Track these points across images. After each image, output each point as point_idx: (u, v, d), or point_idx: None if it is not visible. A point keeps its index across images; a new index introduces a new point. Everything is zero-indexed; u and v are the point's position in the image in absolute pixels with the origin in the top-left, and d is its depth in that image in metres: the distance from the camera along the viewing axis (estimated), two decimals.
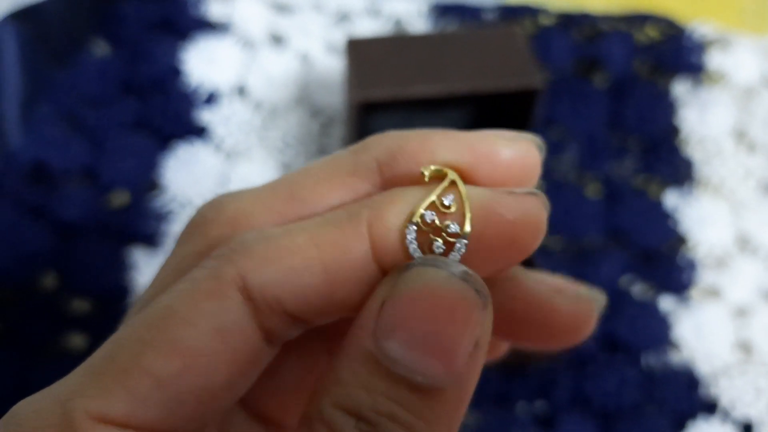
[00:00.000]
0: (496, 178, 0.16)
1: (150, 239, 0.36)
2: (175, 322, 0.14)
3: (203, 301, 0.14)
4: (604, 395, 0.34)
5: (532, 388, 0.35)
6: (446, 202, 0.15)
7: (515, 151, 0.16)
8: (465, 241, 0.15)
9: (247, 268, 0.14)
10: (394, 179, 0.16)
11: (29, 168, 0.36)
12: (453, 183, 0.15)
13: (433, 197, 0.15)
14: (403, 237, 0.15)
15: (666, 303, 0.36)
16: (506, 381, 0.35)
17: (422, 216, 0.15)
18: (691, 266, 0.37)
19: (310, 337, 0.17)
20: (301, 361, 0.18)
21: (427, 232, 0.15)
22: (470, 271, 0.14)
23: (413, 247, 0.15)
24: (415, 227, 0.15)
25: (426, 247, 0.15)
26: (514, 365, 0.34)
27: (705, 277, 0.37)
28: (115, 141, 0.37)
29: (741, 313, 0.36)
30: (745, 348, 0.36)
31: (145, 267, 0.35)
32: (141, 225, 0.36)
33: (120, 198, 0.36)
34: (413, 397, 0.13)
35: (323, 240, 0.15)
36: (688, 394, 0.35)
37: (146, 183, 0.37)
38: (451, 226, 0.15)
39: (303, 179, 0.16)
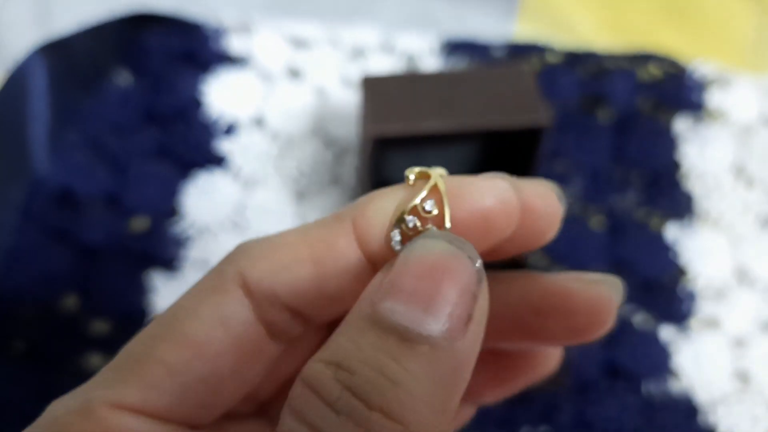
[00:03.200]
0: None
1: (169, 263, 0.37)
2: (183, 317, 0.15)
3: (208, 296, 0.16)
4: (605, 421, 0.35)
5: (535, 413, 0.35)
6: (427, 208, 0.16)
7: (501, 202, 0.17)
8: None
9: (245, 266, 0.16)
10: None
11: (56, 193, 0.37)
12: (435, 185, 0.16)
13: (416, 201, 0.16)
14: (385, 230, 0.16)
15: (666, 332, 0.37)
16: (510, 406, 0.35)
17: (405, 221, 0.16)
18: (690, 297, 0.38)
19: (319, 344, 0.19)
20: None
21: (409, 234, 0.16)
22: (464, 240, 0.15)
23: (398, 249, 0.16)
24: (398, 231, 0.16)
25: None
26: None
27: (704, 307, 0.38)
28: (138, 168, 0.38)
29: (739, 343, 0.37)
30: (743, 377, 0.37)
31: (164, 290, 0.36)
32: (160, 250, 0.37)
33: (140, 223, 0.38)
34: (402, 349, 0.13)
35: (312, 237, 0.16)
36: (688, 421, 0.36)
37: (166, 209, 0.38)
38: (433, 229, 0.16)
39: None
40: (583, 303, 0.18)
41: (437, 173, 0.16)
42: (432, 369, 0.13)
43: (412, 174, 0.16)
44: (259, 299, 0.16)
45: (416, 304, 0.14)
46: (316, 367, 0.14)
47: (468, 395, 0.16)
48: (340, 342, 0.14)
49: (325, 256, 0.16)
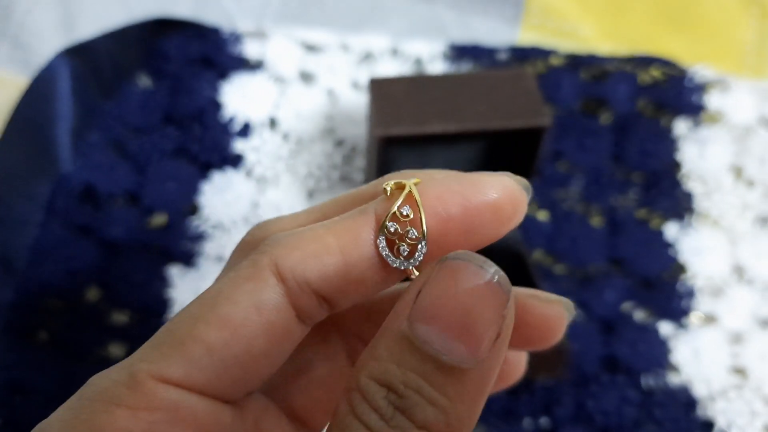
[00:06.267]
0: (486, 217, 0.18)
1: (185, 257, 0.38)
2: (221, 301, 0.17)
3: (244, 283, 0.17)
4: (605, 413, 0.36)
5: (537, 405, 0.36)
6: (404, 212, 0.17)
7: (500, 192, 0.18)
8: (424, 241, 0.17)
9: (279, 255, 0.17)
10: None
11: (79, 190, 0.39)
12: (410, 193, 0.18)
13: (393, 209, 0.17)
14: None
15: (665, 328, 0.38)
16: (513, 398, 0.36)
17: (386, 227, 0.17)
18: (689, 294, 0.39)
19: (333, 339, 0.20)
20: (326, 361, 0.21)
21: (393, 239, 0.17)
22: (498, 269, 0.16)
23: (385, 253, 0.17)
24: (383, 237, 0.17)
25: (395, 250, 0.17)
26: (520, 383, 0.37)
27: (703, 304, 0.39)
28: (157, 167, 0.40)
29: (737, 339, 0.38)
30: (741, 372, 0.37)
31: (181, 283, 0.38)
32: (178, 245, 0.38)
33: (159, 220, 0.39)
34: (439, 375, 0.15)
35: (339, 229, 0.17)
36: (686, 414, 0.36)
37: (184, 207, 0.39)
38: (411, 232, 0.17)
39: (332, 204, 0.20)
40: (537, 318, 0.20)
41: (411, 182, 0.18)
42: (463, 388, 0.15)
43: (388, 186, 0.18)
44: (291, 286, 0.17)
45: (450, 333, 0.15)
46: (371, 387, 0.15)
47: None
48: (385, 359, 0.16)
49: (351, 245, 0.17)
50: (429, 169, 0.20)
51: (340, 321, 0.21)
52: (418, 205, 0.17)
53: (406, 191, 0.17)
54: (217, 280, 0.18)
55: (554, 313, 0.21)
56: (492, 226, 0.18)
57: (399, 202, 0.17)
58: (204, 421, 0.16)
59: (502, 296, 0.16)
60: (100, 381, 0.16)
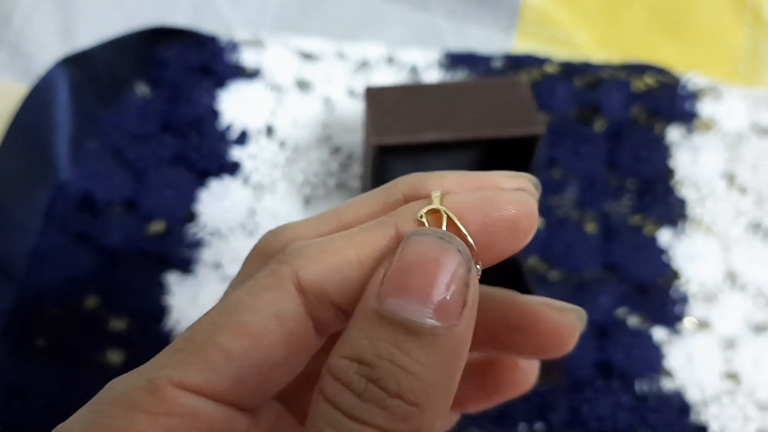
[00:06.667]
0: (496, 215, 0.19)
1: (183, 264, 0.39)
2: (242, 309, 0.17)
3: (264, 292, 0.17)
4: (599, 418, 0.37)
5: (532, 410, 0.37)
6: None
7: (515, 188, 0.19)
8: (478, 266, 0.17)
9: (299, 267, 0.17)
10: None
11: (77, 198, 0.39)
12: (449, 218, 0.18)
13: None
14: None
15: (659, 333, 0.38)
16: (508, 403, 0.36)
17: None
18: (683, 299, 0.39)
19: None
20: None
21: None
22: (452, 235, 0.17)
23: None
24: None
25: None
26: None
27: (696, 310, 0.39)
28: (155, 175, 0.40)
29: (730, 344, 0.39)
30: (734, 377, 0.38)
31: (178, 290, 0.38)
32: (175, 252, 0.39)
33: (157, 227, 0.39)
34: (410, 341, 0.15)
35: (358, 241, 0.18)
36: (680, 419, 0.37)
37: (182, 214, 0.39)
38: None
39: (346, 209, 0.20)
40: (550, 327, 0.21)
41: (442, 208, 0.18)
42: (436, 354, 0.16)
43: (422, 212, 0.18)
44: (311, 297, 0.17)
45: (416, 298, 0.16)
46: (342, 364, 0.16)
47: (453, 403, 0.18)
48: (357, 337, 0.16)
49: (370, 258, 0.17)
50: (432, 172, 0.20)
51: None
52: (458, 227, 0.17)
53: (445, 219, 0.18)
54: (234, 287, 0.19)
55: (567, 321, 0.21)
56: (509, 242, 0.18)
57: (444, 227, 0.18)
58: (220, 428, 0.17)
59: (464, 265, 0.16)
60: (119, 385, 0.16)
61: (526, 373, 0.23)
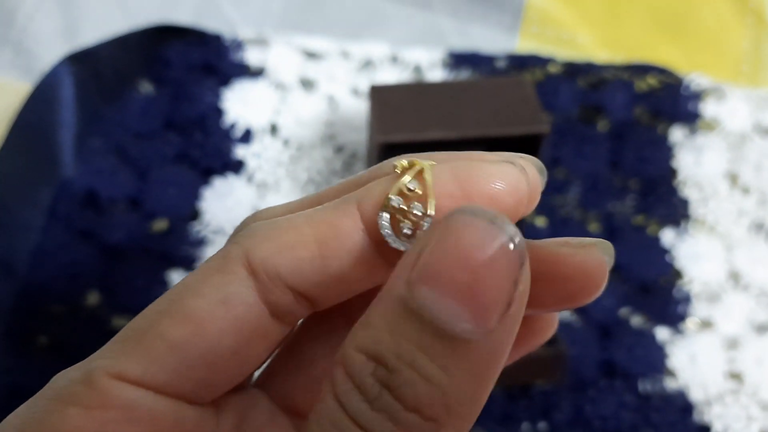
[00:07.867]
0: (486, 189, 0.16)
1: (186, 262, 0.38)
2: (187, 294, 0.15)
3: (212, 276, 0.16)
4: (603, 418, 0.36)
5: (535, 409, 0.36)
6: (411, 187, 0.16)
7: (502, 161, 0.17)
8: (429, 219, 0.16)
9: (250, 246, 0.16)
10: None
11: (81, 195, 0.39)
12: (421, 171, 0.16)
13: (399, 184, 0.16)
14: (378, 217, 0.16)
15: (662, 333, 0.38)
16: (511, 402, 0.36)
17: (390, 201, 0.16)
18: (686, 299, 0.39)
19: (335, 328, 0.19)
20: (332, 354, 0.19)
21: (396, 216, 0.16)
22: (505, 217, 0.13)
23: (386, 231, 0.16)
24: (386, 213, 0.16)
25: (397, 229, 0.16)
26: (519, 386, 0.37)
27: (699, 309, 0.39)
28: (158, 173, 0.40)
29: (733, 344, 0.39)
30: (737, 377, 0.38)
31: None
32: (179, 250, 0.39)
33: (160, 225, 0.39)
34: (439, 346, 0.13)
35: (317, 219, 0.16)
36: (683, 419, 0.37)
37: (185, 212, 0.40)
38: (415, 208, 0.16)
39: (329, 190, 0.18)
40: (574, 268, 0.17)
41: (426, 162, 0.16)
42: (466, 363, 0.13)
43: (398, 163, 0.16)
44: (263, 279, 0.16)
45: (455, 297, 0.13)
46: (357, 359, 0.14)
47: None
48: (378, 326, 0.14)
49: (330, 237, 0.16)
50: None
51: (348, 312, 0.19)
52: (425, 181, 0.16)
53: (416, 168, 0.16)
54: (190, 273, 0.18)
55: (592, 258, 0.17)
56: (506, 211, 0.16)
57: (408, 178, 0.16)
58: (162, 421, 0.15)
59: (515, 260, 0.13)
60: (59, 379, 0.16)
61: (547, 320, 0.20)
